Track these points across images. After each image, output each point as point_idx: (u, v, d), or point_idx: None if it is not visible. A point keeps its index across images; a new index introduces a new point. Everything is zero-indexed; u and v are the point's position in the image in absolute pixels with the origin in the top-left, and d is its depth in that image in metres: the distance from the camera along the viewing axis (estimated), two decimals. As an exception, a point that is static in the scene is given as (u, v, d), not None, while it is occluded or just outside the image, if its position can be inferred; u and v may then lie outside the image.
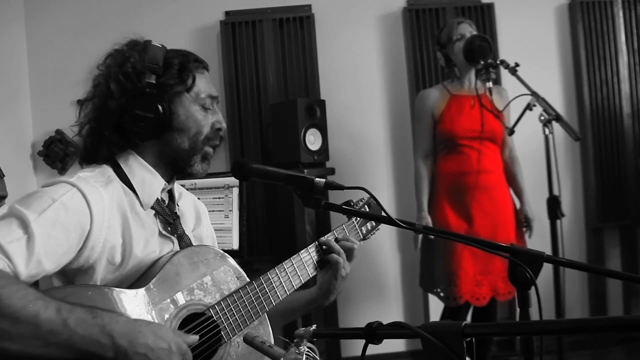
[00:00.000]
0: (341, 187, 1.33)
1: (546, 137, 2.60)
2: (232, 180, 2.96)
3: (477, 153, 3.03)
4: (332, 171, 3.59)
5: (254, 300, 1.45)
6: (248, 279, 1.49)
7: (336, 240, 1.62)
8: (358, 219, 1.74)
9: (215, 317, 1.38)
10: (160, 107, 1.40)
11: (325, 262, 1.61)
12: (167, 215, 1.49)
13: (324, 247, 1.61)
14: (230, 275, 1.46)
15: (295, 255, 1.56)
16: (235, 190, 2.97)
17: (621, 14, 4.04)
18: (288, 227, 3.62)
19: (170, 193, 1.56)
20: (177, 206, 1.57)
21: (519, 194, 3.19)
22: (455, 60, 3.09)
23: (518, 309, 1.13)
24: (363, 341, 1.00)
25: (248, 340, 1.19)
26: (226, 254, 1.49)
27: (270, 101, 3.87)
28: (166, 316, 1.31)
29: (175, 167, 1.49)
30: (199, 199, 1.76)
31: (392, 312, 4.01)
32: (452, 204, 3.09)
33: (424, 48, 3.96)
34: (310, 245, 1.61)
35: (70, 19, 3.89)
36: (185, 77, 1.45)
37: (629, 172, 4.02)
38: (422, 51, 3.97)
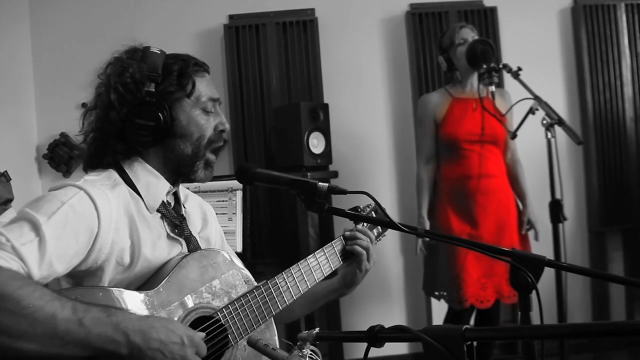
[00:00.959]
0: (344, 192, 1.34)
1: (549, 141, 2.60)
2: (236, 184, 2.97)
3: (478, 157, 3.04)
4: (335, 174, 3.60)
5: (261, 304, 1.46)
6: (256, 283, 1.50)
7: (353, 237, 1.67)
8: (366, 224, 1.76)
9: (223, 321, 1.39)
10: (160, 115, 1.41)
11: (348, 255, 1.66)
12: (174, 217, 1.50)
13: (348, 240, 1.66)
14: (238, 279, 1.48)
15: (302, 260, 1.58)
16: (239, 194, 2.97)
17: (624, 17, 4.04)
18: (291, 231, 3.63)
19: (176, 195, 1.58)
20: (183, 208, 1.58)
21: (521, 196, 3.19)
22: (457, 64, 3.09)
23: (519, 313, 1.14)
24: (365, 344, 1.01)
25: (251, 343, 1.20)
26: (235, 258, 1.51)
27: (274, 105, 3.88)
28: (174, 319, 1.32)
29: (179, 173, 1.50)
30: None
31: (394, 315, 4.01)
32: (454, 208, 3.09)
33: (427, 52, 3.97)
34: (327, 245, 1.65)
35: (74, 23, 3.91)
36: (185, 82, 1.46)
37: (631, 176, 4.02)
38: (425, 55, 3.98)
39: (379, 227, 1.80)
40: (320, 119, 3.49)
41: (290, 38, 3.95)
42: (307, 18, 3.95)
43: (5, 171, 2.54)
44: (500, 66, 2.81)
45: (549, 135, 2.59)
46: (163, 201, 1.48)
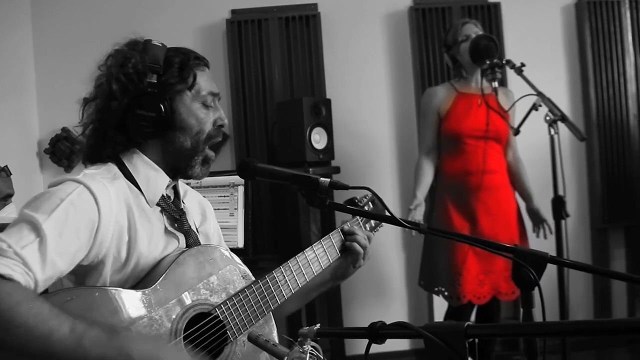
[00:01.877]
0: (346, 187, 1.34)
1: (552, 138, 2.59)
2: (238, 179, 2.97)
3: (482, 152, 3.03)
4: (337, 170, 3.60)
5: (260, 299, 1.45)
6: (254, 278, 1.50)
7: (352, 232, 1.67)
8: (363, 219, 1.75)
9: (221, 317, 1.38)
10: (162, 106, 1.41)
11: (345, 248, 1.66)
12: (173, 211, 1.50)
13: (347, 235, 1.66)
14: (236, 274, 1.47)
15: (300, 254, 1.57)
16: (241, 189, 2.97)
17: (628, 14, 4.02)
18: (293, 226, 3.63)
19: (176, 189, 1.57)
20: (182, 203, 1.58)
21: (526, 193, 3.18)
22: (461, 61, 3.08)
23: (521, 310, 1.13)
24: (367, 340, 1.01)
25: (252, 339, 1.20)
26: (232, 254, 1.50)
27: (276, 100, 3.87)
28: (173, 316, 1.31)
29: (177, 167, 1.50)
30: (204, 197, 1.76)
31: (396, 311, 4.01)
32: (455, 204, 3.09)
33: (430, 47, 3.96)
34: (325, 237, 1.64)
35: (76, 17, 3.91)
36: (186, 75, 1.46)
37: (634, 173, 4.01)
38: (428, 50, 3.97)
39: None
40: (322, 115, 3.49)
41: (292, 33, 3.94)
42: (310, 13, 3.94)
43: (6, 166, 2.54)
44: (504, 62, 2.81)
45: (552, 131, 2.59)
46: (162, 195, 1.47)
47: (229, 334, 1.39)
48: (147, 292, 1.29)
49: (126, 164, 1.44)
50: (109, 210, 1.31)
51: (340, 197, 3.55)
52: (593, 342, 3.89)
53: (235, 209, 2.97)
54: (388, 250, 4.01)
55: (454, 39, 3.09)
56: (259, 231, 3.83)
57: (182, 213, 1.53)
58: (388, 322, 1.01)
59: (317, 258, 1.60)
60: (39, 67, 3.90)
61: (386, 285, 4.04)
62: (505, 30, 3.98)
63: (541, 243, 2.93)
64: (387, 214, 1.33)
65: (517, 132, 2.79)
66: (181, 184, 1.61)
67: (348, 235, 1.66)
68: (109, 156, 1.44)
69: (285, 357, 1.10)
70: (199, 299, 1.38)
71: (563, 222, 2.61)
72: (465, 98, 3.09)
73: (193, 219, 1.61)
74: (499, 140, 3.08)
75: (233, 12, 3.96)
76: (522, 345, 3.92)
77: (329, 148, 3.51)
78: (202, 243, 1.54)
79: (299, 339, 1.10)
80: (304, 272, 1.56)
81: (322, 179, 1.34)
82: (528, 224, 3.17)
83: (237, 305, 1.41)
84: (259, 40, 3.92)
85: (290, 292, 1.52)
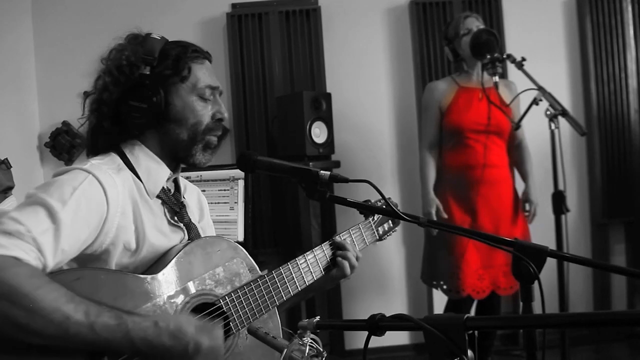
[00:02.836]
0: (346, 180, 1.33)
1: (552, 132, 2.59)
2: (238, 173, 2.97)
3: (483, 147, 3.03)
4: (337, 164, 3.60)
5: (265, 293, 1.46)
6: (260, 272, 1.50)
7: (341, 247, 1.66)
8: (375, 218, 1.75)
9: (225, 308, 1.39)
10: (154, 97, 1.41)
11: (330, 266, 1.64)
12: (174, 204, 1.50)
13: (338, 249, 1.65)
14: (242, 267, 1.48)
15: (309, 252, 1.58)
16: (241, 183, 2.97)
17: (630, 8, 4.01)
18: (293, 220, 3.63)
19: (176, 182, 1.58)
20: (183, 197, 1.58)
21: (524, 177, 3.19)
22: (462, 54, 3.08)
23: (521, 303, 1.13)
24: (366, 333, 1.01)
25: (252, 331, 1.20)
26: (239, 246, 1.50)
27: (276, 94, 3.87)
28: (176, 303, 1.32)
29: (177, 157, 1.50)
30: (203, 191, 1.77)
31: (395, 305, 4.01)
32: (456, 198, 3.10)
33: (430, 41, 3.95)
34: (325, 243, 1.64)
35: (76, 11, 3.89)
36: (181, 67, 1.45)
37: (635, 168, 4.01)
38: (428, 45, 3.96)
39: (390, 222, 1.80)
40: (322, 109, 3.48)
41: (293, 27, 3.93)
42: (310, 7, 3.93)
43: (6, 158, 2.54)
44: (504, 56, 2.80)
45: (553, 126, 2.58)
46: (163, 187, 1.48)
47: (231, 325, 1.39)
48: (152, 278, 1.30)
49: (127, 155, 1.45)
50: (115, 201, 1.32)
51: (340, 190, 3.56)
52: (592, 336, 3.90)
53: (236, 202, 2.97)
54: (388, 244, 4.01)
55: (455, 32, 3.09)
56: (259, 225, 3.83)
57: (182, 206, 1.53)
58: (387, 315, 1.01)
59: (325, 256, 1.62)
60: (39, 61, 3.89)
61: (386, 279, 4.04)
62: (506, 24, 3.97)
63: (541, 238, 2.93)
64: (385, 205, 1.32)
65: (517, 126, 2.79)
66: (181, 179, 1.61)
67: (339, 250, 1.65)
68: (107, 148, 1.45)
69: (285, 350, 1.10)
70: (204, 289, 1.38)
71: (563, 217, 2.61)
72: (467, 92, 3.08)
73: (192, 214, 1.61)
74: (501, 134, 3.07)
75: (233, 6, 3.95)
76: (521, 340, 3.93)
77: (329, 142, 3.51)
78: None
79: (298, 332, 1.10)
80: (311, 270, 1.57)
81: (322, 171, 1.34)
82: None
83: (242, 298, 1.42)
84: (259, 34, 3.92)
85: (297, 289, 1.53)
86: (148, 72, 1.42)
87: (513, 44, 3.87)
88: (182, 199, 1.57)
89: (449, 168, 3.15)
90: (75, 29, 3.86)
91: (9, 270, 1.10)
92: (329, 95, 3.59)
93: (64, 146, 3.76)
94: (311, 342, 1.09)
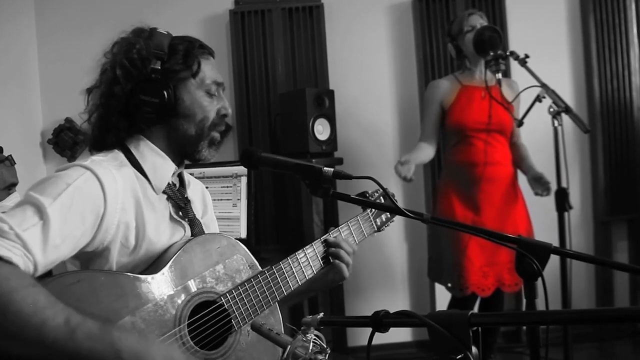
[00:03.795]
0: (349, 177, 1.33)
1: (555, 129, 2.58)
2: (241, 169, 2.97)
3: (484, 145, 3.03)
4: (340, 161, 3.59)
5: (266, 289, 1.45)
6: (260, 268, 1.50)
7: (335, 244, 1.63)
8: (373, 210, 1.75)
9: (226, 306, 1.39)
10: (165, 92, 1.41)
11: (329, 260, 1.63)
12: (179, 199, 1.50)
13: (331, 248, 1.62)
14: (242, 263, 1.47)
15: (308, 246, 1.57)
16: (244, 179, 2.97)
17: (633, 6, 4.00)
18: (296, 216, 3.63)
19: (181, 177, 1.58)
20: (187, 192, 1.58)
21: (527, 166, 3.15)
22: (465, 51, 3.08)
23: (525, 300, 1.13)
24: (370, 330, 1.01)
25: (255, 328, 1.20)
26: (239, 242, 1.50)
27: (279, 91, 3.87)
28: (178, 303, 1.32)
29: (183, 153, 1.50)
30: (207, 187, 1.77)
31: (398, 301, 4.02)
32: (458, 195, 3.09)
33: (434, 39, 3.95)
34: (316, 241, 1.62)
35: (79, 7, 3.89)
36: (191, 62, 1.46)
37: (638, 166, 4.00)
38: (431, 42, 3.95)
39: (387, 214, 1.80)
40: (325, 106, 3.48)
41: (296, 24, 3.93)
42: (313, 4, 3.92)
43: (10, 155, 2.54)
44: (508, 53, 2.79)
45: (556, 123, 2.58)
46: (169, 182, 1.48)
47: (233, 322, 1.39)
48: (153, 277, 1.30)
49: (132, 151, 1.44)
50: (115, 198, 1.31)
51: (343, 187, 3.55)
52: (595, 334, 3.90)
53: (238, 199, 2.98)
54: (391, 241, 4.02)
55: (459, 29, 3.09)
56: (262, 222, 3.84)
57: (187, 201, 1.53)
58: (390, 312, 1.01)
59: (324, 251, 1.61)
60: (42, 58, 3.89)
61: (389, 276, 4.04)
62: (509, 22, 3.96)
63: (544, 235, 2.93)
64: (391, 203, 1.32)
65: (520, 123, 2.79)
66: (185, 173, 1.61)
67: (332, 247, 1.62)
68: (114, 143, 1.44)
69: (289, 346, 1.11)
70: (205, 287, 1.38)
71: (566, 214, 2.60)
72: (469, 91, 3.08)
73: (197, 209, 1.62)
74: (503, 132, 3.07)
75: (236, 2, 3.95)
76: (524, 337, 3.93)
77: (332, 139, 3.50)
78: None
79: (302, 328, 1.11)
80: (311, 264, 1.57)
81: (325, 168, 1.34)
82: (532, 215, 3.16)
83: (243, 295, 1.42)
84: (262, 31, 3.91)
85: (297, 283, 1.52)
86: (159, 67, 1.41)
87: (516, 41, 3.86)
88: (187, 194, 1.57)
89: (452, 166, 3.16)
90: (78, 25, 3.85)
91: None
92: (332, 92, 3.59)
93: (66, 143, 3.76)
94: (315, 339, 1.09)
